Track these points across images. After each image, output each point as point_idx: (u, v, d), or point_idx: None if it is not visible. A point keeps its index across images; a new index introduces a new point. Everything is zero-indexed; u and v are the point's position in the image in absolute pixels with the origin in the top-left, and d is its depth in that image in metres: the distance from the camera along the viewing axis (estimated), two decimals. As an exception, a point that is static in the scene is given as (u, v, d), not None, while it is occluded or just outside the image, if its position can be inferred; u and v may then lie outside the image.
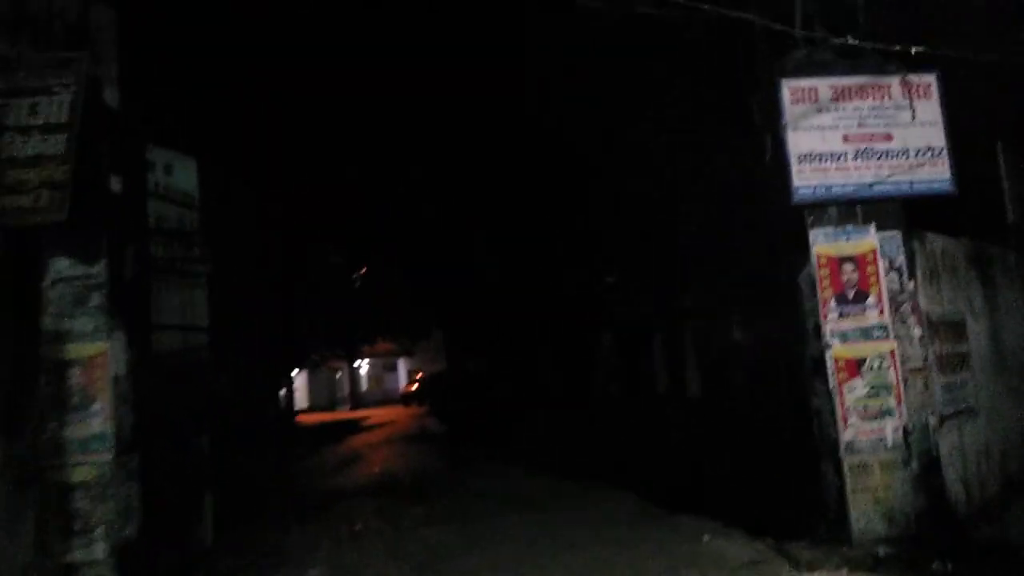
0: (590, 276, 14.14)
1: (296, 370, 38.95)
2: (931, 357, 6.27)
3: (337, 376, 43.09)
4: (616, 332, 14.02)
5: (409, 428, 24.13)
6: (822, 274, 6.11)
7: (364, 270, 26.74)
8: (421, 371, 35.57)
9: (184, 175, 6.85)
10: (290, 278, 19.92)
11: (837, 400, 5.95)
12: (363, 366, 43.82)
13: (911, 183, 6.21)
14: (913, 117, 6.24)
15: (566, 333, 15.93)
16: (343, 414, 35.53)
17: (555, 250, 15.22)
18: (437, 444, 17.89)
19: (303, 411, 40.63)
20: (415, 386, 34.23)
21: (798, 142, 6.18)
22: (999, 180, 8.59)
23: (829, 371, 6.00)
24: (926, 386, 6.14)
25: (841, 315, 6.07)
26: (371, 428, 25.97)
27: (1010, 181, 8.70)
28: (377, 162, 17.09)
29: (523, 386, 16.72)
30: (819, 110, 6.21)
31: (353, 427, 26.89)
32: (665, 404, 12.13)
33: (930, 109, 6.30)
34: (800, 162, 6.15)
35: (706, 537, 6.32)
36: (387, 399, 40.41)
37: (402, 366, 43.59)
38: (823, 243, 6.14)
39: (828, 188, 6.17)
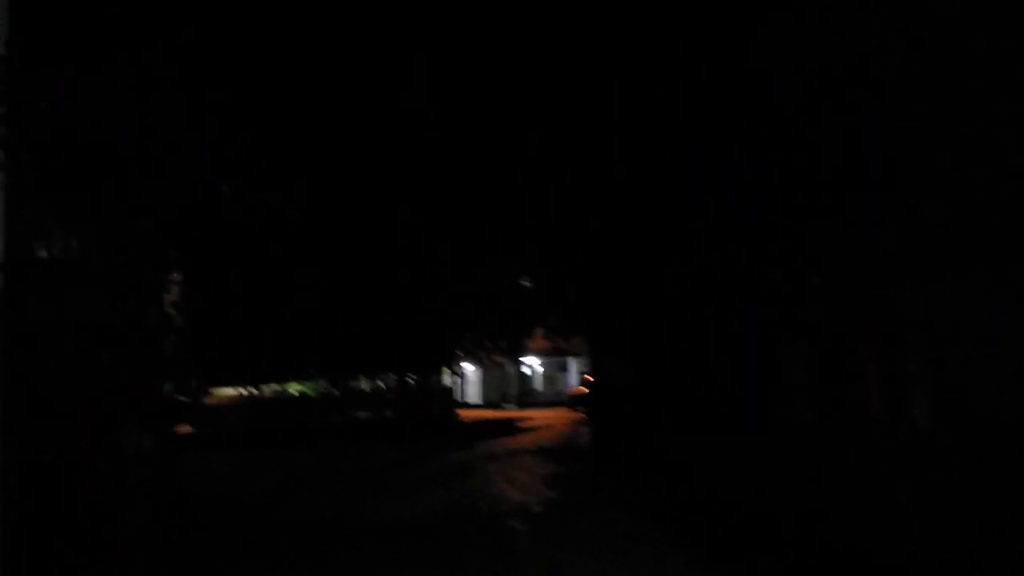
0: (779, 271, 9.77)
1: (463, 365, 37.46)
2: None
3: (509, 373, 41.39)
4: (812, 340, 9.63)
5: (557, 436, 20.81)
6: None
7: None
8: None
9: None
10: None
11: None
12: (535, 365, 41.73)
13: None
14: None
15: (738, 339, 11.50)
16: (505, 413, 33.43)
17: (728, 239, 10.82)
18: (569, 464, 14.24)
19: (476, 406, 39.33)
20: (583, 389, 31.00)
21: None
22: None
23: None
24: None
25: None
26: (516, 432, 23.01)
27: None
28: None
29: (677, 400, 12.68)
30: None
31: (500, 429, 24.18)
32: (880, 439, 7.92)
33: None
34: None
35: None
36: (558, 400, 38.08)
37: (573, 366, 40.62)
38: None
39: None
